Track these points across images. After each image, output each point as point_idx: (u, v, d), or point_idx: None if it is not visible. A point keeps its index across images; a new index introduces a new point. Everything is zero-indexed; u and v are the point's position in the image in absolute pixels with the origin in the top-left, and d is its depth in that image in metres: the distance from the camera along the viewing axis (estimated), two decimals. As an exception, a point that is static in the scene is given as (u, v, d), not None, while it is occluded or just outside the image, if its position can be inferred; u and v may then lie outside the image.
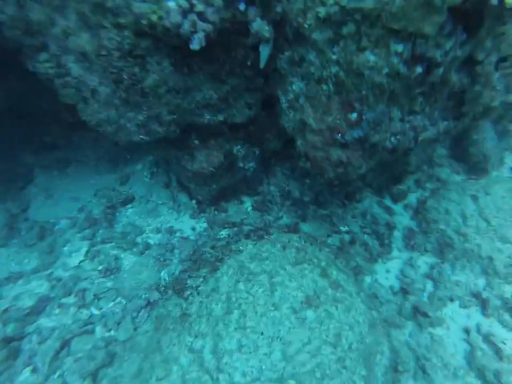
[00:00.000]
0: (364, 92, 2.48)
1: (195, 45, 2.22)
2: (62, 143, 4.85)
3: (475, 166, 5.01)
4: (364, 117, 2.64)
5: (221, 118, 3.33)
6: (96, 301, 3.74)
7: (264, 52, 2.77)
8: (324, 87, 2.65)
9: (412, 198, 4.96)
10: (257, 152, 4.29)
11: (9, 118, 4.28)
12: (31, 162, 4.94)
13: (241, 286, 3.19)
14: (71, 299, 3.69)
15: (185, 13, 2.14)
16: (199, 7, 2.14)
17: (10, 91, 3.98)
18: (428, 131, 2.90)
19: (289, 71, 2.90)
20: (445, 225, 4.28)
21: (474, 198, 4.25)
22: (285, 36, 2.71)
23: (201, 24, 2.16)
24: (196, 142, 3.87)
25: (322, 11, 2.25)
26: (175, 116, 3.16)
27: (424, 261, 4.24)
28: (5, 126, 4.34)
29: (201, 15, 2.17)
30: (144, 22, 2.36)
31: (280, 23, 2.61)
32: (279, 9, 2.49)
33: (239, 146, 4.05)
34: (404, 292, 3.90)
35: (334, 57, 2.40)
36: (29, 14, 2.90)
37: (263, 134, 3.92)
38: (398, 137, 2.86)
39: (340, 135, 2.81)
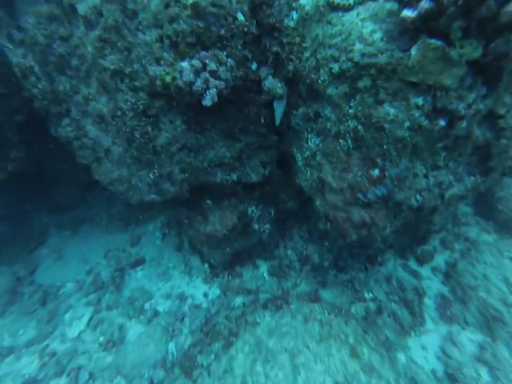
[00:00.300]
0: (385, 147, 2.31)
1: (207, 101, 2.18)
2: (77, 203, 4.85)
3: (506, 224, 4.55)
4: (386, 173, 2.43)
5: (234, 177, 3.22)
6: (90, 382, 3.29)
7: (279, 108, 2.73)
8: (342, 142, 2.51)
9: (440, 260, 4.45)
10: (272, 213, 4.09)
11: (29, 180, 4.36)
12: (45, 223, 4.92)
13: (258, 367, 2.73)
14: (61, 380, 3.27)
15: (197, 72, 2.15)
16: (212, 66, 2.15)
17: (33, 155, 4.12)
18: (454, 187, 2.66)
19: (305, 128, 2.82)
20: (486, 292, 3.72)
21: (515, 261, 3.77)
22: (298, 93, 2.68)
23: (213, 81, 2.15)
24: (209, 202, 3.73)
25: (335, 67, 2.21)
26: (187, 175, 3.07)
27: (468, 338, 3.60)
28: (24, 187, 4.41)
29: (213, 73, 2.17)
30: (158, 83, 2.39)
31: (293, 80, 2.60)
32: (291, 67, 2.50)
33: (253, 207, 3.88)
34: (452, 379, 3.24)
35: (351, 111, 2.29)
36: (56, 86, 3.08)
37: (278, 193, 3.76)
38: (423, 194, 2.61)
39: (361, 193, 2.58)
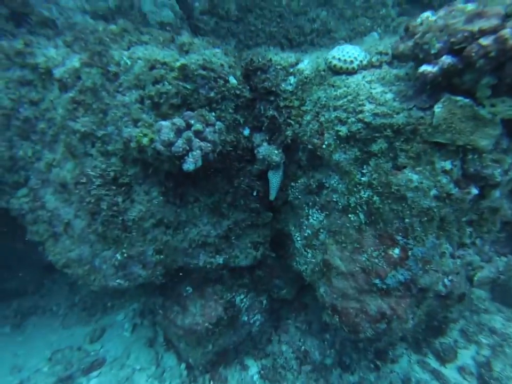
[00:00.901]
0: (407, 220, 1.89)
1: (189, 165, 1.78)
2: (31, 289, 4.05)
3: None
4: (409, 253, 1.96)
5: (220, 260, 2.67)
6: None
7: (275, 179, 2.36)
8: (352, 217, 2.08)
9: (466, 358, 3.70)
10: (264, 302, 3.43)
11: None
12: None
13: None
14: None
15: (179, 131, 1.80)
16: (197, 126, 1.81)
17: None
18: (485, 269, 2.21)
19: (305, 202, 2.41)
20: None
21: None
22: (297, 162, 2.35)
23: (197, 142, 1.78)
24: (189, 289, 3.09)
25: (343, 129, 1.91)
26: (162, 256, 2.51)
27: None
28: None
29: (198, 134, 1.82)
30: (133, 145, 2.01)
31: (291, 148, 2.28)
32: (289, 132, 2.20)
33: (242, 296, 3.23)
34: None
35: (364, 179, 1.92)
36: (16, 151, 2.69)
37: (271, 279, 3.18)
38: (451, 277, 2.15)
39: (378, 278, 2.07)
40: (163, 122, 1.79)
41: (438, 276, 2.09)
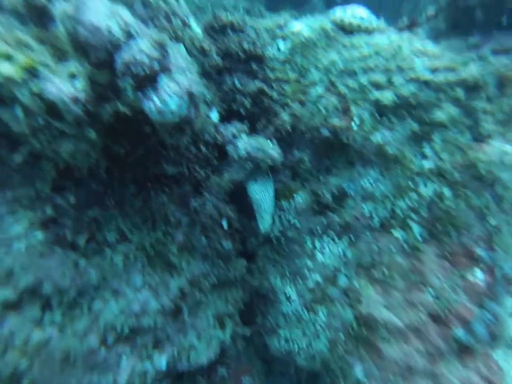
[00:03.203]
0: (492, 221, 1.28)
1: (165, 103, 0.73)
2: None
3: None
4: (498, 273, 1.32)
5: (162, 362, 1.34)
6: None
7: (267, 194, 1.44)
8: (400, 235, 1.34)
9: None
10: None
11: None
12: None
13: None
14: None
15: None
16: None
17: None
18: None
19: (307, 229, 1.53)
20: None
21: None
22: (291, 167, 1.51)
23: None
24: None
25: (387, 96, 1.27)
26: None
27: None
28: None
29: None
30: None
31: (285, 141, 1.46)
32: (286, 117, 1.40)
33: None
34: None
35: (427, 165, 1.25)
36: None
37: (239, 380, 1.89)
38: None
39: (461, 325, 1.31)
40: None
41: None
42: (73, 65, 1.04)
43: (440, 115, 1.25)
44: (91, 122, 0.94)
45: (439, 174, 1.28)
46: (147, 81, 0.78)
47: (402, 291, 1.37)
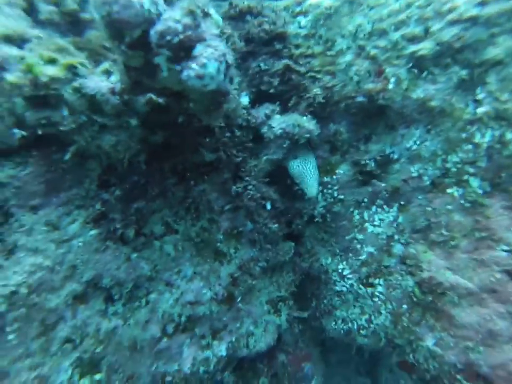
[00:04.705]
0: None
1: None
2: None
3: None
4: None
5: (221, 350, 1.35)
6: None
7: (310, 164, 1.41)
8: (455, 192, 1.25)
9: None
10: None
11: None
12: None
13: None
14: None
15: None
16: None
17: None
18: None
19: (353, 202, 1.48)
20: None
21: None
22: (329, 141, 1.47)
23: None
24: None
25: (426, 46, 1.20)
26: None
27: None
28: None
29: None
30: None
31: (319, 115, 1.42)
32: (317, 89, 1.36)
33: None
34: None
35: (481, 109, 1.15)
36: None
37: (299, 366, 1.85)
38: None
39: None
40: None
41: None
42: (108, 64, 1.10)
43: (494, 52, 1.15)
44: (129, 112, 0.97)
45: (498, 117, 1.17)
46: (183, 51, 0.79)
47: (467, 251, 1.27)
